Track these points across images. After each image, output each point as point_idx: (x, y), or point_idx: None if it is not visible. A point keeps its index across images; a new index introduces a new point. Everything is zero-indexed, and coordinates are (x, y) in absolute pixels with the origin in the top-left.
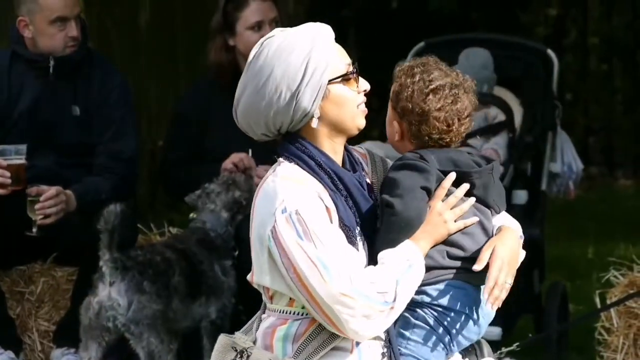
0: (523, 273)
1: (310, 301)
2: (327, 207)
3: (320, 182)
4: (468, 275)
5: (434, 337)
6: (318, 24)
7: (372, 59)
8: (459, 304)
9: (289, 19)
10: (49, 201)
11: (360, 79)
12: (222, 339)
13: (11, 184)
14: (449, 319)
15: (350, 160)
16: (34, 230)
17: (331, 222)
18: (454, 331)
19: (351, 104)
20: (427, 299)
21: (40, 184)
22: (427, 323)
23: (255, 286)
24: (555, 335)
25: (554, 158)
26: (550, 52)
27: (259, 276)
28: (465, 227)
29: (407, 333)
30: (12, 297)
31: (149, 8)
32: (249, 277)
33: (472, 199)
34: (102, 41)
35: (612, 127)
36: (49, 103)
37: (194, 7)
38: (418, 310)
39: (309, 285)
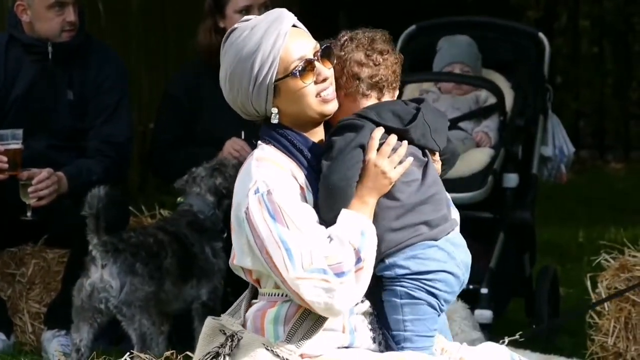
0: (514, 256)
1: (283, 281)
2: (301, 186)
3: (295, 161)
4: (430, 234)
5: (424, 306)
6: (277, 11)
7: None
8: (432, 262)
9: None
10: (41, 183)
11: (320, 66)
12: (210, 322)
13: (8, 168)
14: (429, 282)
15: None
16: (29, 214)
17: (305, 201)
18: (437, 291)
19: (305, 97)
20: (400, 271)
21: (31, 168)
22: (411, 296)
23: (235, 271)
24: (551, 325)
25: (545, 141)
26: (541, 35)
27: (241, 258)
28: (404, 171)
29: (399, 317)
30: (3, 279)
31: None
32: (230, 261)
33: (405, 142)
34: (93, 24)
35: (603, 111)
36: (44, 88)
37: None
38: (396, 287)
39: (277, 266)
